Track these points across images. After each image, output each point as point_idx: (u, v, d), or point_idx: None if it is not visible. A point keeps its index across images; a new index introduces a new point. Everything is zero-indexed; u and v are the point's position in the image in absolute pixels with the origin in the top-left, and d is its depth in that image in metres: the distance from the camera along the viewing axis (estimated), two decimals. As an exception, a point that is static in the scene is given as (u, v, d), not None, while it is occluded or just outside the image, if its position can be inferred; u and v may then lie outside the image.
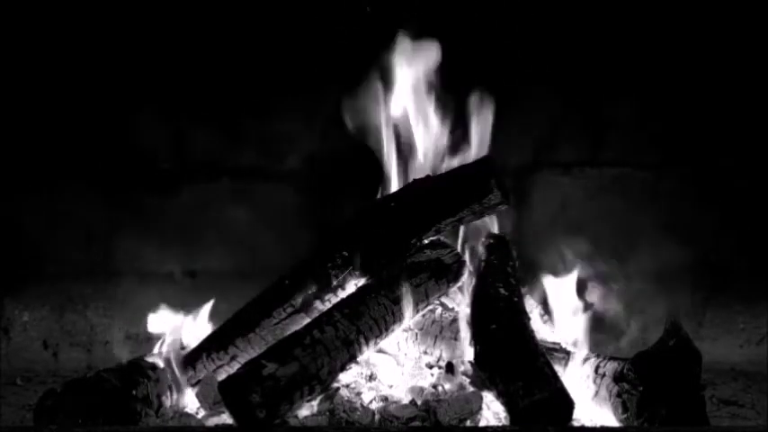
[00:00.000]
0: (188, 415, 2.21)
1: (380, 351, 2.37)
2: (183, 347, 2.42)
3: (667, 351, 2.07)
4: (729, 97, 3.02)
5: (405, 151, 2.69)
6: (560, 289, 2.56)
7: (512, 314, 2.26)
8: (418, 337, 2.40)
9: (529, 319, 2.31)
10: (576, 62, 3.01)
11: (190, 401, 2.28)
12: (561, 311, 2.51)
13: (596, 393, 2.20)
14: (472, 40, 2.83)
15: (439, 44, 2.66)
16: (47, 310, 3.08)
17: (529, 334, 2.21)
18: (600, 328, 2.46)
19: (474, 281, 2.46)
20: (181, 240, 3.03)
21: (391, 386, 2.28)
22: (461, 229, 2.59)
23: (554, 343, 2.39)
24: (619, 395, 2.11)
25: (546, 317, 2.56)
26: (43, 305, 3.08)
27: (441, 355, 2.38)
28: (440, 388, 2.25)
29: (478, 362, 2.20)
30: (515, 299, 2.35)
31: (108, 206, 3.03)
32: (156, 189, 3.05)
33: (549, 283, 2.58)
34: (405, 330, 2.39)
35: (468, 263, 2.49)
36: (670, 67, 3.01)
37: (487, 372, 2.15)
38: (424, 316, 2.40)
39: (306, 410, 2.13)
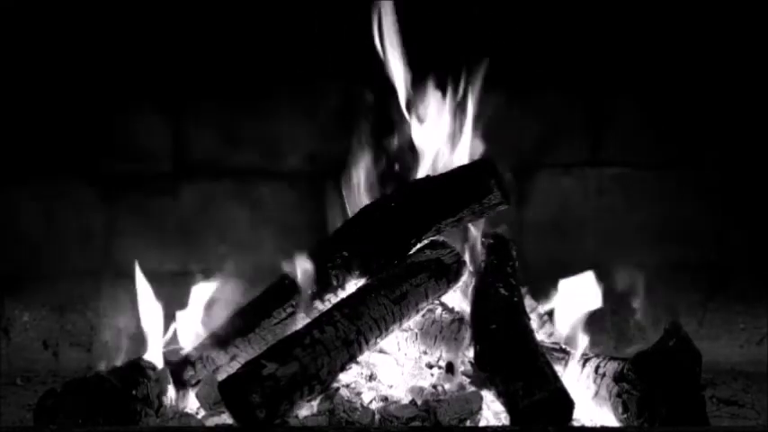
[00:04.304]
0: (188, 415, 2.21)
1: (380, 351, 2.37)
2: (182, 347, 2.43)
3: (667, 351, 2.07)
4: (729, 97, 3.02)
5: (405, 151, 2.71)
6: (561, 288, 2.56)
7: (512, 314, 2.26)
8: (418, 337, 2.40)
9: (529, 319, 2.31)
10: (576, 62, 3.01)
11: (190, 401, 2.29)
12: (562, 311, 2.51)
13: (596, 393, 2.20)
14: (472, 40, 2.83)
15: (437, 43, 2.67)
16: (47, 310, 3.08)
17: (529, 334, 2.21)
18: (600, 329, 2.46)
19: (474, 281, 2.46)
20: (181, 240, 3.03)
21: (391, 386, 2.28)
22: (461, 229, 2.58)
23: (554, 343, 2.39)
24: (619, 395, 2.11)
25: (546, 317, 2.56)
26: (43, 305, 3.08)
27: (441, 355, 2.38)
28: (440, 388, 2.25)
29: (478, 362, 2.20)
30: (515, 299, 2.35)
31: (108, 206, 3.04)
32: (156, 189, 3.05)
33: (550, 282, 2.58)
34: (405, 330, 2.39)
35: (468, 263, 2.49)
36: (670, 66, 3.01)
37: (487, 372, 2.15)
38: (423, 316, 2.40)
39: (306, 410, 2.13)
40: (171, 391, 2.25)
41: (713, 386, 2.70)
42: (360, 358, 2.23)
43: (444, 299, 2.45)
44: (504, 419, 2.13)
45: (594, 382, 2.21)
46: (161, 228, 3.03)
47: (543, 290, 2.59)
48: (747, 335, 3.09)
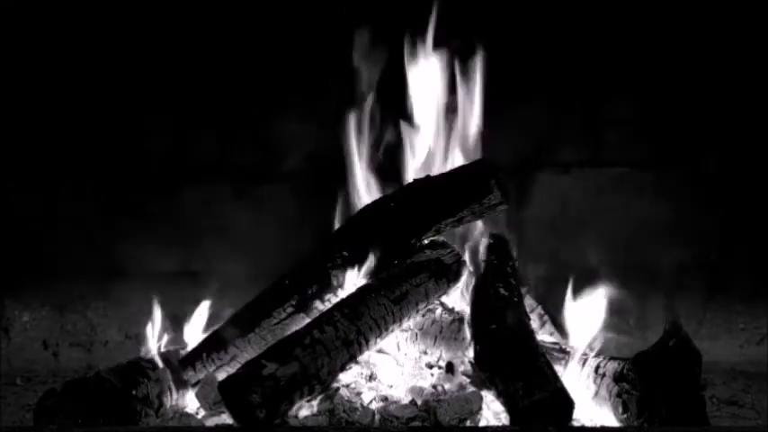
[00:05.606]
0: (188, 415, 2.22)
1: (380, 351, 2.37)
2: (183, 347, 2.43)
3: (667, 351, 2.07)
4: (729, 97, 3.01)
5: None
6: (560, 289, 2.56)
7: (512, 314, 2.26)
8: (418, 337, 2.40)
9: (529, 318, 2.31)
10: (576, 62, 3.01)
11: (190, 401, 2.29)
12: (561, 311, 2.51)
13: (596, 393, 2.20)
14: (472, 40, 2.83)
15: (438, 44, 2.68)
16: (47, 310, 3.08)
17: (529, 334, 2.21)
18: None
19: (474, 281, 2.46)
20: (181, 240, 3.03)
21: (391, 386, 2.28)
22: (461, 228, 2.58)
23: (554, 343, 2.39)
24: (619, 395, 2.11)
25: (546, 317, 2.56)
26: (43, 305, 3.08)
27: (441, 355, 2.38)
28: (440, 388, 2.25)
29: (478, 362, 2.20)
30: (515, 299, 2.35)
31: (108, 206, 3.04)
32: (156, 189, 3.05)
33: (550, 283, 2.58)
34: (405, 330, 2.39)
35: (468, 263, 2.49)
36: (670, 66, 3.01)
37: (487, 372, 2.15)
38: (423, 316, 2.40)
39: (306, 410, 2.13)
40: (171, 391, 2.25)
41: (713, 386, 2.70)
42: (360, 358, 2.23)
43: (444, 299, 2.45)
44: (504, 419, 2.13)
45: (594, 382, 2.21)
46: (161, 227, 3.02)
47: (543, 290, 2.59)
48: (747, 335, 3.09)
